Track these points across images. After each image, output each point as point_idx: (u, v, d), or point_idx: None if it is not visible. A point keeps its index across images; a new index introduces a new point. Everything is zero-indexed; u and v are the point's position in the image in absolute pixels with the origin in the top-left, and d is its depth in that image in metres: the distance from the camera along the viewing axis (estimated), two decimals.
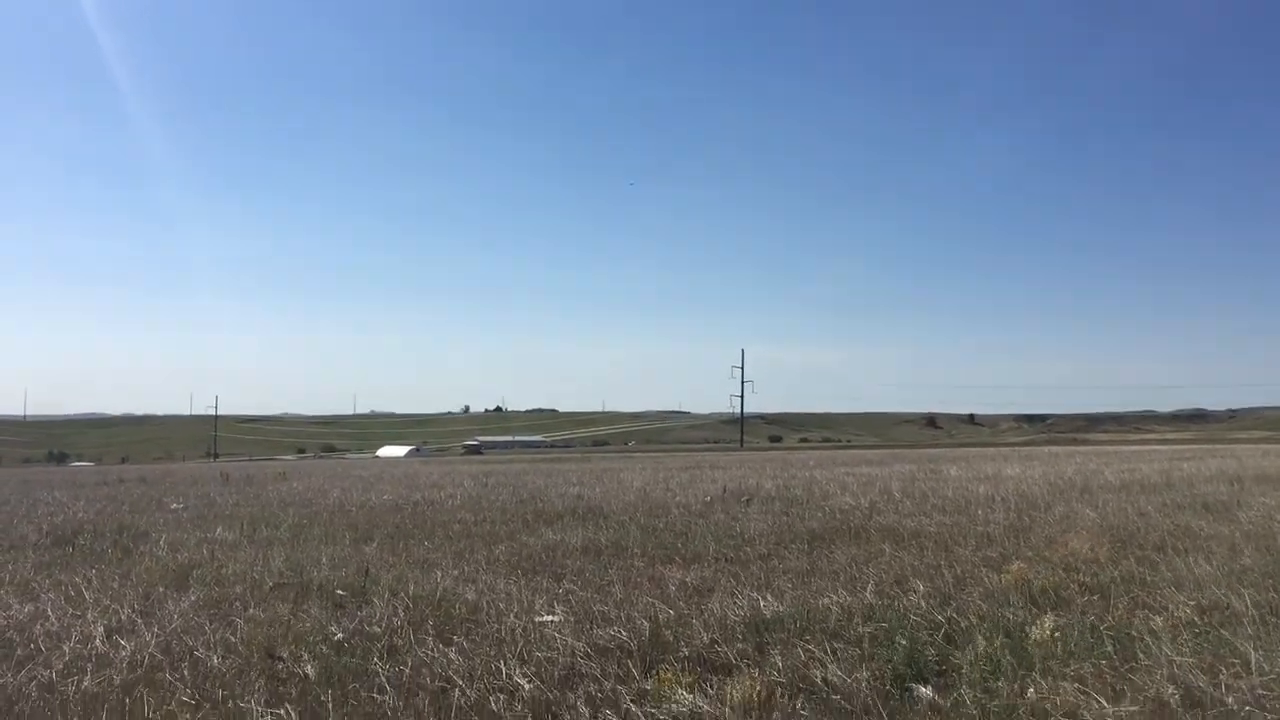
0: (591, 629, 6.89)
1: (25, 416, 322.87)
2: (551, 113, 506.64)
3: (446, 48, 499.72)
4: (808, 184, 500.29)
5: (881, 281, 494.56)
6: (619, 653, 6.24)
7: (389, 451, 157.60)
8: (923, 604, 7.43)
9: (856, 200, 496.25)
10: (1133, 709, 5.03)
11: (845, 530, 13.38)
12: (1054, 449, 72.35)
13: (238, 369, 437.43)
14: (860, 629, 6.73)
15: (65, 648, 6.59)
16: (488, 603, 8.08)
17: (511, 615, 7.47)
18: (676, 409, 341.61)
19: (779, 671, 5.75)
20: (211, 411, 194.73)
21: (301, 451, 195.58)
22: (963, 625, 6.77)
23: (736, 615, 7.21)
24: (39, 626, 7.41)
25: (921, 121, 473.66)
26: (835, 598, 7.73)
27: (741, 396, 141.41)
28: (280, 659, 5.98)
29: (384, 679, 5.67)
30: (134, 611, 7.95)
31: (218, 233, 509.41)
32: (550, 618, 7.40)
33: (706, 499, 19.63)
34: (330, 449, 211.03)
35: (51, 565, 10.99)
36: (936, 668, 5.90)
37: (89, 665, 6.16)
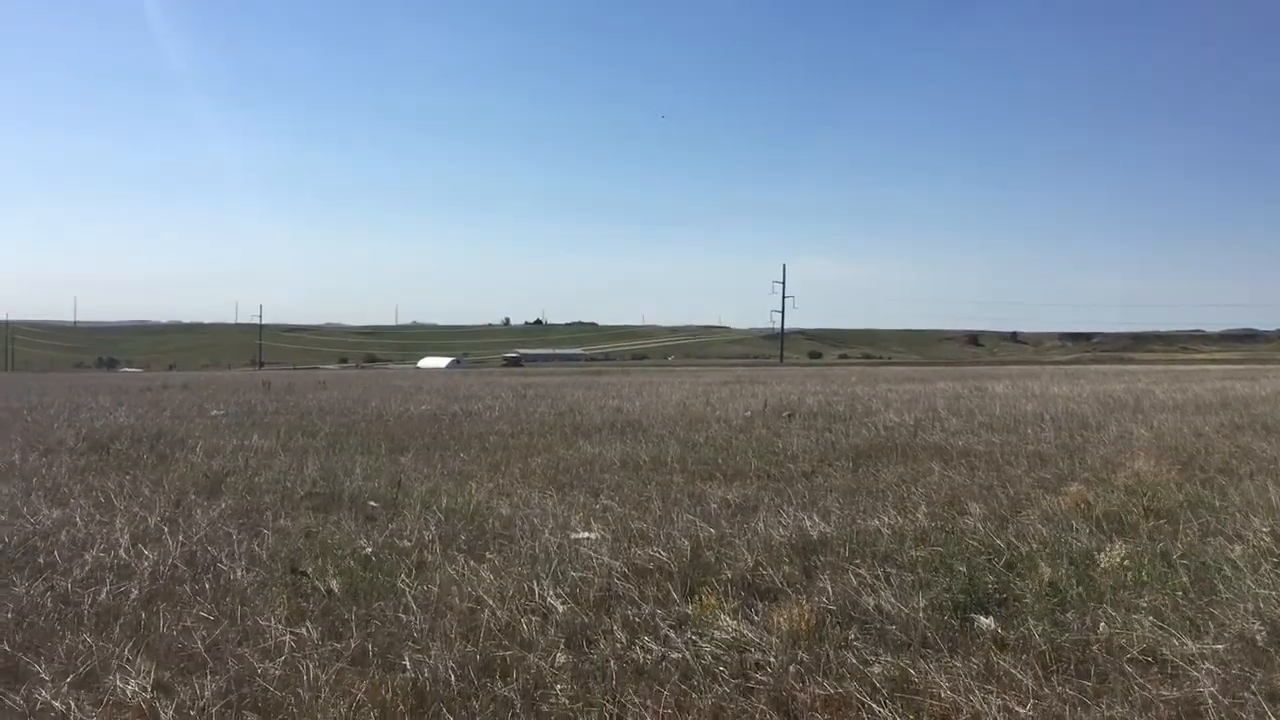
0: (629, 548, 6.57)
1: (76, 323, 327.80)
2: (586, 25, 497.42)
3: None
4: (850, 94, 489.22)
5: (920, 195, 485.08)
6: (658, 574, 5.90)
7: (430, 362, 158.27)
8: (979, 527, 7.03)
9: (904, 111, 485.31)
10: (1217, 647, 4.62)
11: (891, 448, 12.98)
12: (1100, 368, 71.21)
13: (283, 279, 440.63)
14: (913, 553, 6.36)
15: (88, 556, 6.38)
16: (522, 518, 7.79)
17: (546, 531, 7.17)
18: (716, 324, 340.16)
19: (828, 598, 5.38)
20: (257, 320, 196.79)
21: (344, 361, 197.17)
22: (1023, 551, 6.36)
23: (781, 536, 6.85)
24: (65, 533, 7.22)
25: (971, 30, 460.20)
26: (885, 519, 7.35)
27: (782, 311, 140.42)
28: (304, 574, 5.71)
29: (410, 597, 5.39)
30: (162, 519, 7.75)
31: (264, 144, 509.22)
32: (586, 534, 7.10)
33: (747, 414, 19.28)
34: (372, 359, 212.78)
35: (86, 470, 10.86)
36: (998, 597, 5.50)
37: (109, 576, 5.94)
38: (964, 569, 5.87)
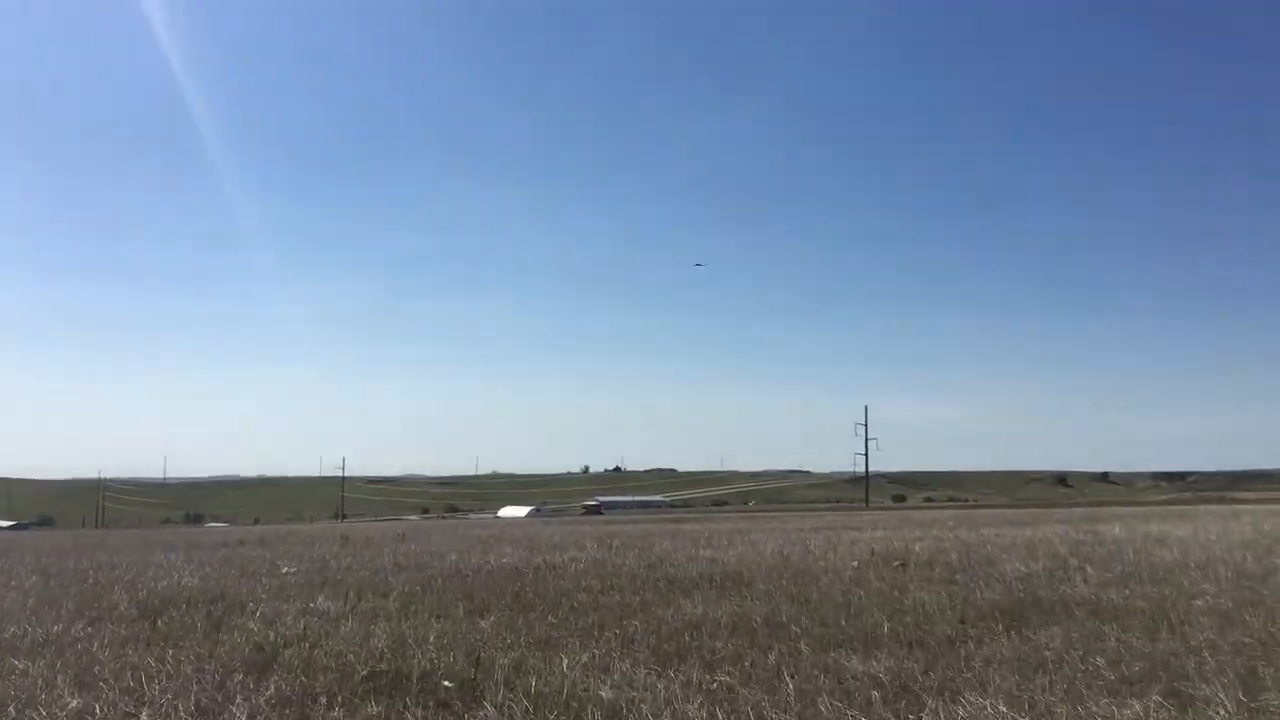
0: None
1: (165, 479, 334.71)
2: (665, 166, 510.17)
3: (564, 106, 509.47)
4: (922, 240, 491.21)
5: (1001, 333, 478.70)
6: None
7: (510, 512, 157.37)
8: None
9: (969, 249, 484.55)
10: None
11: (1034, 603, 11.34)
12: (1210, 508, 67.45)
13: (365, 431, 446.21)
14: None
15: None
16: (626, 702, 6.39)
17: None
18: (795, 468, 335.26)
19: None
20: (339, 473, 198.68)
21: (425, 512, 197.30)
22: None
23: None
24: None
25: (1052, 163, 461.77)
26: (1096, 707, 5.79)
27: (866, 454, 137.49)
28: None
29: None
30: (196, 710, 6.50)
31: (346, 301, 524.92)
32: None
33: (854, 564, 17.64)
34: (453, 509, 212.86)
35: (128, 642, 9.70)
36: None
37: None
38: None
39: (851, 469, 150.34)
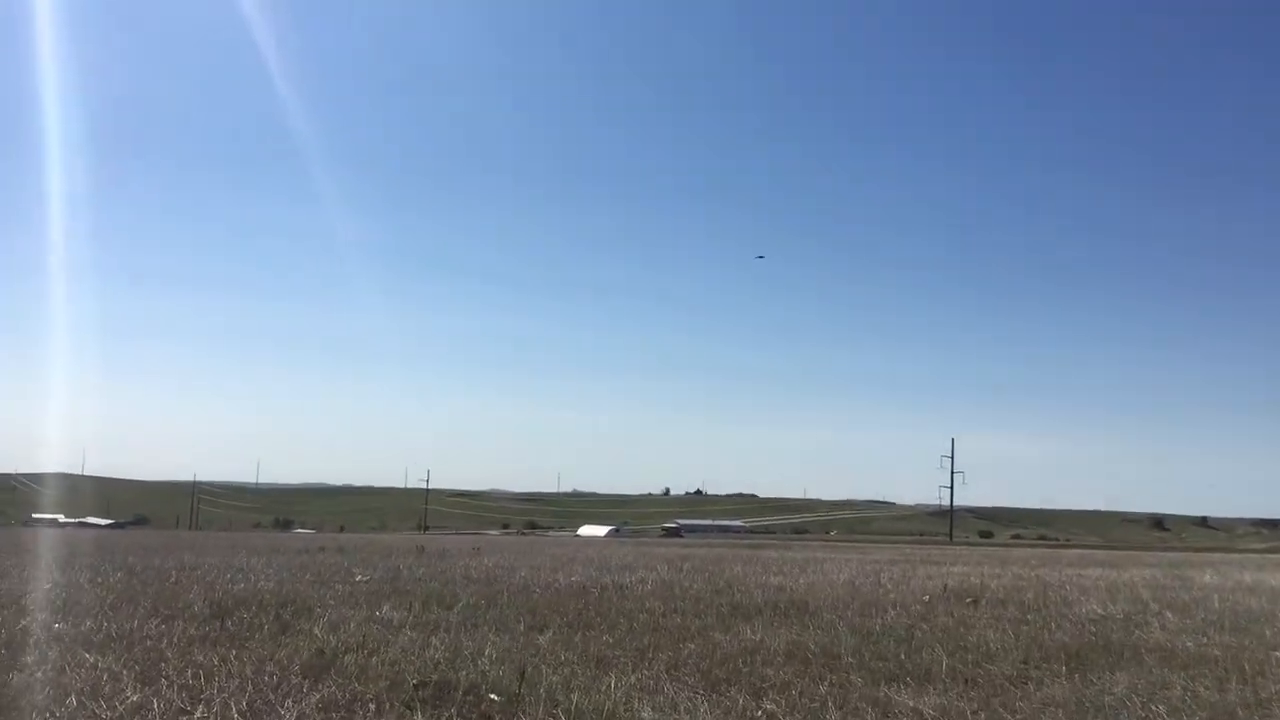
0: None
1: (258, 484, 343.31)
2: (743, 186, 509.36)
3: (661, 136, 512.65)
4: (1013, 268, 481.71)
5: (1099, 368, 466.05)
6: None
7: (589, 531, 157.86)
8: None
9: (1078, 287, 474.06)
10: None
11: (1105, 647, 11.03)
12: None
13: (449, 446, 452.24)
14: None
15: None
16: None
17: None
18: (878, 499, 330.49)
19: None
20: (424, 485, 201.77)
21: (506, 527, 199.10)
22: None
23: None
24: None
25: (1153, 206, 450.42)
26: None
27: (951, 488, 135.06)
28: None
29: None
30: (249, 709, 6.67)
31: (437, 315, 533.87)
32: None
33: (925, 598, 17.33)
34: (533, 525, 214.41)
35: (196, 641, 9.97)
36: None
37: None
38: None
39: (937, 502, 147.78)
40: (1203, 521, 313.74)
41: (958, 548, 76.18)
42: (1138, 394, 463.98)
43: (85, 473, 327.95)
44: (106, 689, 7.32)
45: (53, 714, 6.47)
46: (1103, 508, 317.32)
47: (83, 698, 6.99)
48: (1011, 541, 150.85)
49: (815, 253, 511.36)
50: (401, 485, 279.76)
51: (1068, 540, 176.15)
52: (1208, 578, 26.82)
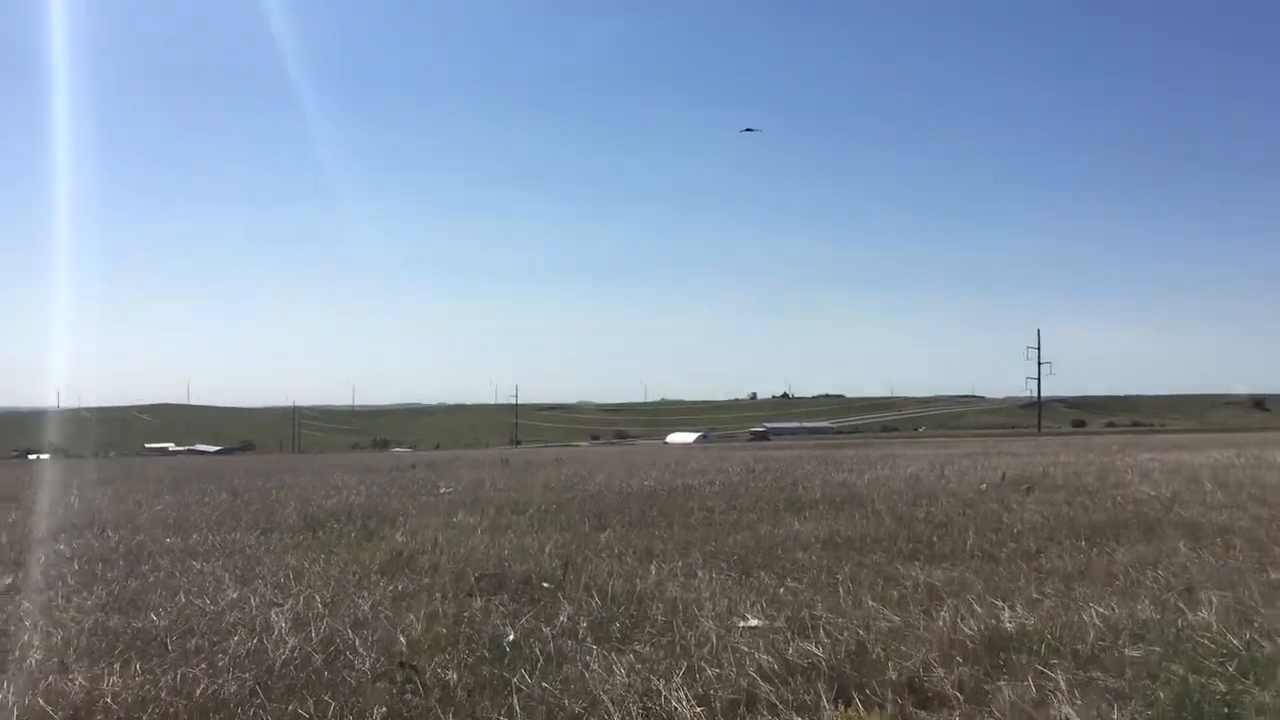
0: (787, 641, 5.87)
1: (354, 407, 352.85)
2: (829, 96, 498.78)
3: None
4: (1110, 155, 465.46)
5: (1195, 251, 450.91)
6: (812, 673, 5.19)
7: (678, 438, 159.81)
8: (1214, 622, 5.89)
9: (1169, 164, 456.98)
10: None
11: (1135, 523, 11.58)
12: None
13: (540, 359, 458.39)
14: (1126, 653, 5.36)
15: (231, 642, 6.29)
16: (691, 602, 7.22)
17: (710, 620, 6.57)
18: (970, 393, 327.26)
19: (1004, 711, 4.52)
20: (513, 400, 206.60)
21: (595, 438, 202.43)
22: (1265, 651, 5.24)
23: (970, 629, 5.97)
24: (232, 615, 7.25)
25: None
26: (1099, 609, 6.30)
27: (1039, 379, 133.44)
28: (412, 667, 5.34)
29: (526, 693, 4.92)
30: (332, 601, 7.70)
31: (523, 227, 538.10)
32: (752, 623, 6.46)
33: (982, 487, 17.93)
34: (622, 435, 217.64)
35: (290, 549, 11.13)
36: (1225, 712, 4.47)
37: (245, 662, 5.80)
38: (1182, 672, 4.84)
39: (1027, 394, 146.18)
40: None
41: (1045, 438, 75.86)
42: (1233, 272, 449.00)
43: (191, 402, 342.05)
44: (210, 588, 8.45)
45: (165, 609, 7.54)
46: (1201, 390, 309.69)
47: (190, 595, 8.11)
48: (1103, 429, 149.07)
49: (895, 148, 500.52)
50: (492, 401, 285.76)
51: (1162, 425, 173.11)
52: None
